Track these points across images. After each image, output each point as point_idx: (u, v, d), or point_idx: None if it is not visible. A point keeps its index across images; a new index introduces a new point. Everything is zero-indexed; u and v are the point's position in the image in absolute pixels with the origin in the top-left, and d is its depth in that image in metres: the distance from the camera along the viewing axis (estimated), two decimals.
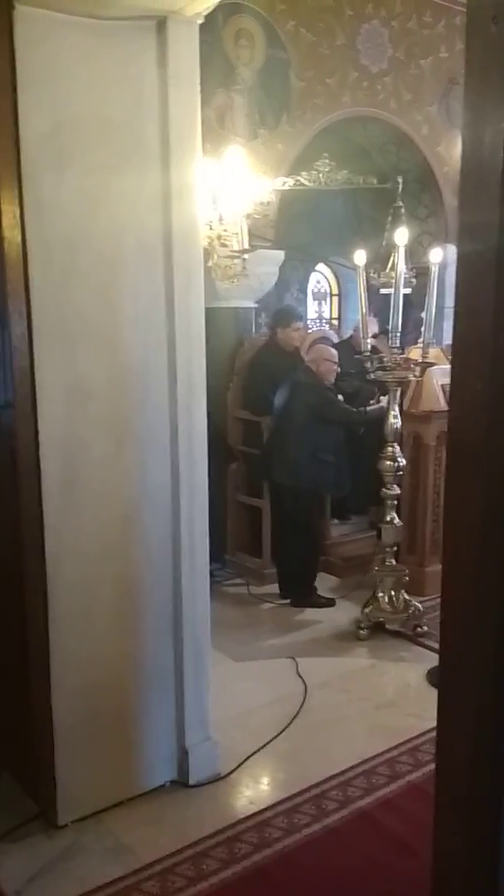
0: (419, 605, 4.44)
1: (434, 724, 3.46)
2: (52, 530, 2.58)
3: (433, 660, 4.04)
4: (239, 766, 3.07)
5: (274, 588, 5.00)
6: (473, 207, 1.04)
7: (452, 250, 6.28)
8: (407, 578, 4.50)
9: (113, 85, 2.51)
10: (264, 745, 3.21)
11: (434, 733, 3.34)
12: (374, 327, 5.56)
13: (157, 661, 2.86)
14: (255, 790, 2.96)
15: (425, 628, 4.40)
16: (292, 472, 4.66)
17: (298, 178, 5.51)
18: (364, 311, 4.48)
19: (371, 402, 5.03)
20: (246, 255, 4.28)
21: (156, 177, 2.63)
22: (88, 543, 2.65)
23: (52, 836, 2.69)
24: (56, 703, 2.66)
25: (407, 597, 4.47)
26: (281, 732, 3.31)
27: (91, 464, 2.63)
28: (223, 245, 4.24)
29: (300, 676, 3.84)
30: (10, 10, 2.30)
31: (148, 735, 2.88)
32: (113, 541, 2.71)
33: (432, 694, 3.64)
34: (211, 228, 4.22)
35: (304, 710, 3.51)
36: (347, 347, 5.91)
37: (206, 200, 3.86)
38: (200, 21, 2.61)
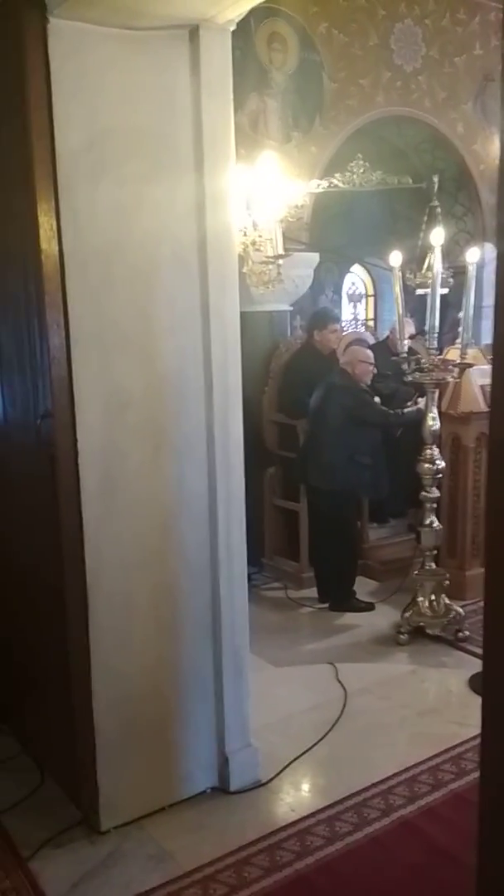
0: (460, 610, 4.39)
1: (477, 731, 3.40)
2: (92, 540, 2.60)
3: (475, 665, 3.99)
4: (279, 772, 3.06)
5: (312, 592, 4.98)
6: None
7: (490, 249, 6.27)
8: (447, 582, 4.45)
9: (146, 94, 2.53)
10: (305, 752, 3.19)
11: (477, 741, 3.29)
12: (410, 328, 5.51)
13: (196, 669, 2.86)
14: (296, 797, 2.95)
15: (466, 633, 4.34)
16: (328, 475, 4.64)
17: (332, 179, 5.48)
18: (400, 312, 4.44)
19: (408, 403, 4.98)
20: (281, 261, 4.26)
21: (189, 186, 2.64)
22: (127, 552, 2.67)
23: (94, 842, 2.71)
24: (97, 710, 2.68)
25: (447, 601, 4.41)
26: (321, 739, 3.29)
27: (129, 472, 2.64)
28: (257, 251, 4.23)
29: (340, 682, 3.82)
30: (44, 24, 2.33)
31: (188, 742, 2.89)
32: (151, 549, 2.72)
33: (475, 700, 3.60)
34: (245, 235, 4.22)
35: (345, 717, 3.49)
36: (384, 349, 5.86)
37: (239, 207, 3.85)
38: (233, 28, 2.61)
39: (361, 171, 5.43)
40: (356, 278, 9.63)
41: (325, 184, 5.51)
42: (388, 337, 6.18)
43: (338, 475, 4.62)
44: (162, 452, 2.71)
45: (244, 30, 4.98)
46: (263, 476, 5.35)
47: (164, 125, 2.57)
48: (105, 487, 2.61)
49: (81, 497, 2.57)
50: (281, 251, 4.17)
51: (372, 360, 4.89)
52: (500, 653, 1.16)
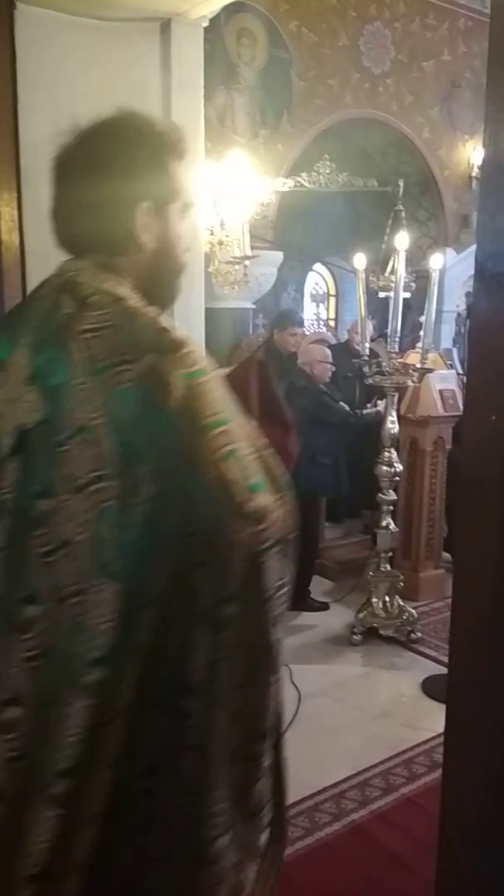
0: (413, 611, 4.43)
1: (429, 735, 3.44)
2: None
3: (427, 666, 4.04)
4: None
5: None
6: (492, 234, 1.02)
7: (451, 254, 6.33)
8: (402, 584, 4.49)
9: (115, 86, 2.48)
10: None
11: (429, 745, 3.32)
12: (370, 331, 5.54)
13: None
14: None
15: (419, 634, 4.39)
16: (291, 476, 4.62)
17: (299, 178, 5.48)
18: (363, 314, 4.46)
19: (368, 405, 5.01)
20: (247, 262, 4.24)
21: None
22: None
23: None
24: None
25: (401, 602, 4.45)
26: None
27: None
28: (224, 250, 4.20)
29: (294, 684, 3.81)
30: (10, 10, 2.27)
31: None
32: None
33: (427, 704, 3.65)
34: (212, 234, 4.19)
35: (298, 720, 3.48)
36: (344, 350, 5.89)
37: (207, 205, 3.82)
38: (205, 24, 2.58)
39: (328, 171, 5.43)
40: (319, 278, 9.67)
41: (291, 182, 5.50)
42: (348, 338, 6.21)
43: (300, 476, 4.60)
44: None
45: (213, 23, 4.90)
46: None
47: None
48: None
49: None
50: (248, 252, 4.15)
51: (330, 359, 4.90)
52: (464, 662, 1.16)
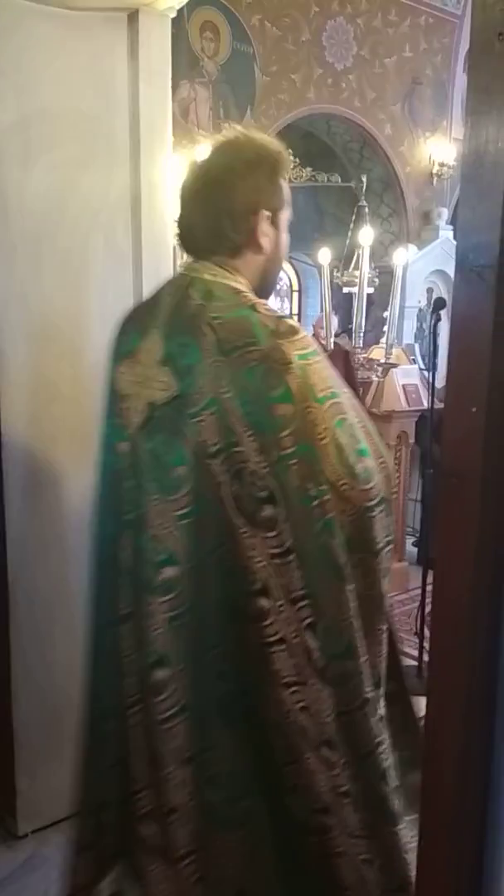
0: None
1: None
2: (14, 539, 2.51)
3: None
4: None
5: None
6: (473, 228, 1.02)
7: (413, 250, 6.37)
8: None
9: (82, 77, 2.44)
10: None
11: None
12: (334, 326, 5.57)
13: None
14: None
15: None
16: None
17: None
18: (328, 310, 4.47)
19: None
20: None
21: (125, 173, 2.57)
22: (52, 552, 2.59)
23: (12, 847, 2.62)
24: (17, 714, 2.59)
25: None
26: None
27: (56, 469, 2.56)
28: None
29: None
30: None
31: None
32: (78, 545, 2.64)
33: None
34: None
35: None
36: None
37: (175, 199, 3.79)
38: (173, 15, 2.55)
39: (292, 166, 5.42)
40: (282, 273, 9.69)
41: None
42: (313, 334, 6.23)
43: None
44: (90, 446, 2.62)
45: (177, 15, 4.89)
46: None
47: (100, 110, 2.49)
48: (29, 483, 2.51)
49: (4, 493, 2.48)
50: None
51: None
52: (443, 690, 1.17)
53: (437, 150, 7.34)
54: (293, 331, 1.48)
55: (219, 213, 1.57)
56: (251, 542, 1.41)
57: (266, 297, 1.66)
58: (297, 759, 1.47)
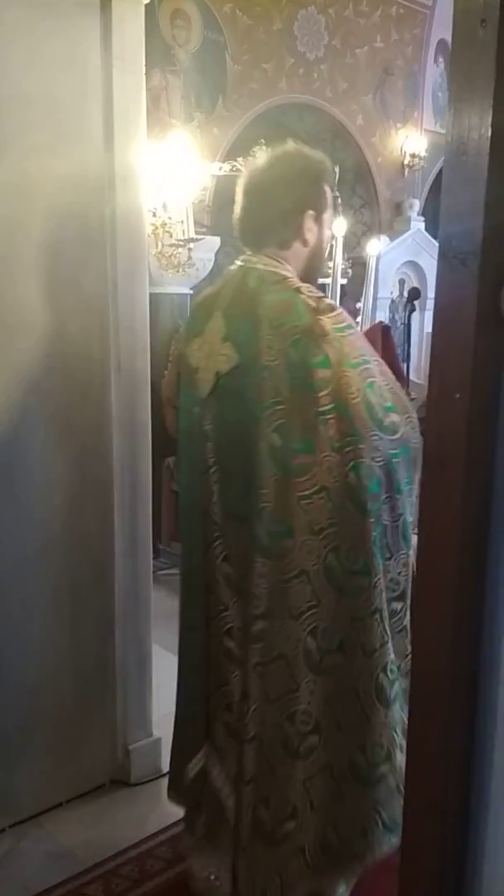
0: None
1: None
2: None
3: None
4: None
5: None
6: (456, 214, 1.02)
7: (386, 242, 6.36)
8: None
9: (54, 64, 2.40)
10: None
11: None
12: None
13: (98, 661, 2.79)
14: None
15: None
16: None
17: (235, 163, 5.44)
18: None
19: None
20: (192, 245, 4.20)
21: (98, 161, 2.54)
22: (25, 542, 2.56)
23: None
24: None
25: None
26: None
27: (29, 458, 2.53)
28: (167, 233, 4.15)
29: None
30: None
31: (88, 736, 2.82)
32: (52, 538, 2.62)
33: None
34: (155, 216, 4.13)
35: None
36: None
37: (150, 186, 3.76)
38: (146, 1, 2.52)
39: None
40: None
41: (227, 167, 5.46)
42: None
43: None
44: (65, 438, 2.61)
45: (148, 3, 4.84)
46: (161, 461, 5.28)
47: (73, 97, 2.46)
48: (2, 472, 2.48)
49: None
50: (192, 234, 4.11)
51: None
52: (428, 639, 1.17)
53: (409, 141, 7.36)
54: (331, 308, 1.80)
55: (272, 213, 1.91)
56: (282, 485, 1.77)
57: (311, 281, 1.94)
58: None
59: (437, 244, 1.12)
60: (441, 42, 7.50)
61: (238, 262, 1.98)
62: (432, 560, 1.11)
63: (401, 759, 1.83)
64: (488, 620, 1.09)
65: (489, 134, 0.98)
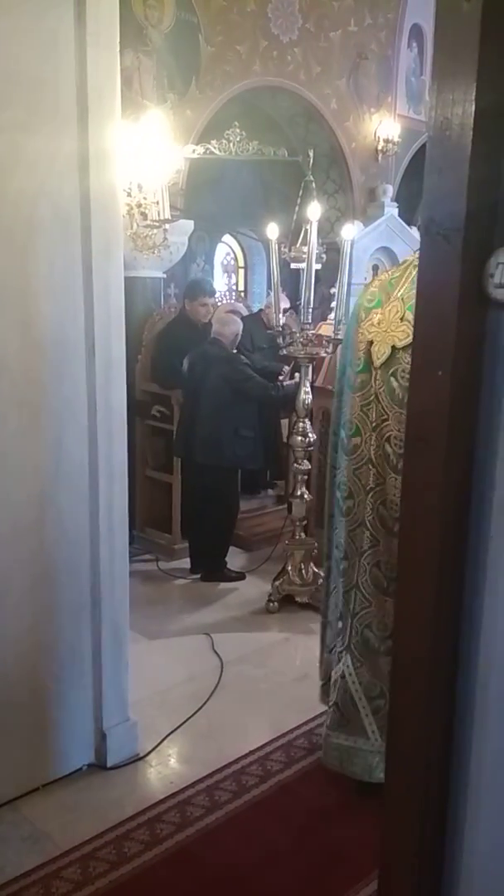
0: None
1: None
2: None
3: None
4: (157, 745, 3.04)
5: (184, 563, 4.97)
6: (440, 191, 1.02)
7: (360, 227, 6.36)
8: (316, 551, 4.56)
9: (25, 38, 2.36)
10: (183, 723, 3.19)
11: None
12: (285, 302, 5.56)
13: (74, 645, 2.78)
14: (175, 769, 2.95)
15: None
16: (214, 450, 4.60)
17: (209, 146, 5.39)
18: (277, 284, 4.46)
19: (280, 377, 5.02)
20: (167, 226, 4.16)
21: (72, 140, 2.50)
22: (1, 523, 2.53)
23: None
24: None
25: (315, 569, 4.53)
26: (199, 709, 3.30)
27: (4, 440, 2.50)
28: (142, 214, 4.10)
29: (216, 652, 3.84)
30: None
31: (64, 720, 2.81)
32: (28, 521, 2.60)
33: None
34: (129, 195, 4.07)
35: (221, 686, 3.52)
36: (258, 321, 5.88)
37: (124, 166, 3.71)
38: None
39: (238, 139, 5.36)
40: (230, 249, 9.61)
41: (201, 149, 5.41)
42: (261, 310, 6.21)
43: (225, 451, 4.60)
44: (40, 420, 2.58)
45: None
46: (135, 447, 5.26)
47: (46, 73, 2.41)
48: None
49: None
50: (168, 216, 4.07)
51: (238, 323, 4.89)
52: (409, 645, 1.18)
53: (382, 126, 7.34)
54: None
55: None
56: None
57: None
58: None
59: (410, 230, 1.12)
60: (415, 27, 7.49)
61: (414, 252, 2.32)
62: (416, 533, 1.11)
63: None
64: (470, 590, 1.10)
65: (473, 109, 0.98)
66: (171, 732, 3.13)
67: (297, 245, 4.54)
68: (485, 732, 1.19)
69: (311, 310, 4.29)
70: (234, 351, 4.83)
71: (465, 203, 1.00)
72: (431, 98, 1.03)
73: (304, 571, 4.50)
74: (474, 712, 1.16)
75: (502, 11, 0.99)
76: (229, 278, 9.68)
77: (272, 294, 4.96)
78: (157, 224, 4.14)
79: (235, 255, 9.71)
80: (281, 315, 4.50)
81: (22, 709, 2.69)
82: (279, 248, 4.39)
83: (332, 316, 4.46)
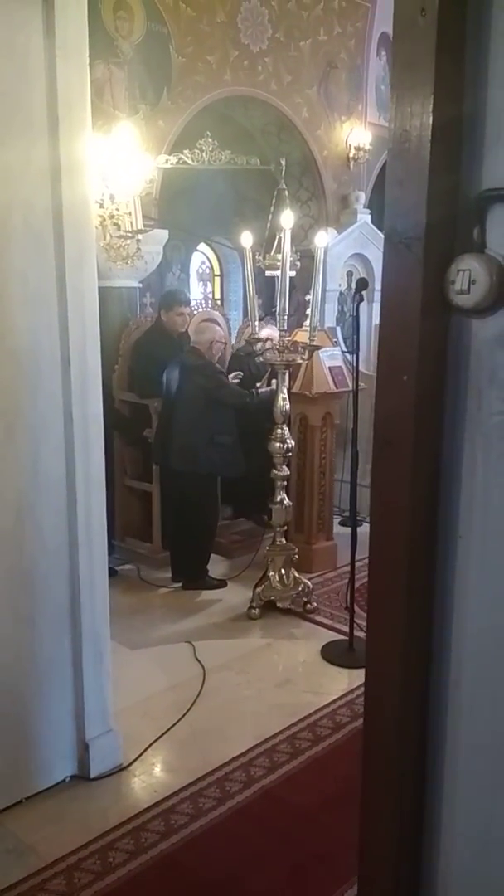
0: (308, 583, 4.55)
1: (330, 698, 3.54)
2: None
3: (324, 635, 4.17)
4: (140, 755, 3.04)
5: (165, 572, 4.97)
6: (401, 202, 1.05)
7: (333, 234, 6.44)
8: (296, 556, 4.58)
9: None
10: (165, 732, 3.20)
11: (330, 708, 3.42)
12: (273, 331, 5.57)
13: (55, 657, 2.77)
14: (159, 778, 2.95)
15: (314, 604, 4.51)
16: (191, 458, 4.62)
17: (182, 156, 5.43)
18: (252, 293, 4.48)
19: (258, 384, 5.05)
20: (140, 236, 4.17)
21: (43, 152, 2.51)
22: None
23: None
24: None
25: (296, 574, 4.55)
26: (182, 718, 3.30)
27: None
28: (115, 225, 4.12)
29: (198, 660, 3.84)
30: None
31: (46, 732, 2.80)
32: (5, 534, 2.60)
33: (326, 669, 3.76)
34: (102, 207, 4.08)
35: (204, 694, 3.52)
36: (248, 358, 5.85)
37: (96, 177, 3.72)
38: None
39: (210, 149, 5.40)
40: (205, 258, 9.63)
41: (174, 159, 5.44)
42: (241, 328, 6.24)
43: (201, 458, 4.61)
44: (15, 432, 2.58)
45: None
46: (113, 455, 5.25)
47: (16, 85, 2.42)
48: None
49: None
50: (140, 226, 4.08)
51: (225, 340, 4.92)
52: (381, 613, 1.20)
53: (353, 134, 7.41)
54: None
55: None
56: None
57: None
58: None
59: (383, 236, 1.15)
60: (383, 35, 7.57)
61: None
62: (384, 533, 1.14)
63: None
64: (440, 588, 1.12)
65: (430, 120, 1.01)
66: (155, 741, 3.13)
67: (272, 253, 4.57)
68: (457, 732, 1.22)
69: (286, 317, 4.32)
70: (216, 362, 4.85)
71: (425, 213, 1.03)
72: (391, 111, 1.05)
73: (285, 577, 4.51)
74: (447, 709, 1.18)
75: (457, 25, 1.02)
76: (205, 287, 9.71)
77: (248, 305, 4.97)
78: (130, 234, 4.15)
79: (211, 264, 9.73)
80: (256, 323, 4.53)
81: (2, 721, 2.68)
82: (253, 257, 4.42)
83: (307, 323, 4.49)
